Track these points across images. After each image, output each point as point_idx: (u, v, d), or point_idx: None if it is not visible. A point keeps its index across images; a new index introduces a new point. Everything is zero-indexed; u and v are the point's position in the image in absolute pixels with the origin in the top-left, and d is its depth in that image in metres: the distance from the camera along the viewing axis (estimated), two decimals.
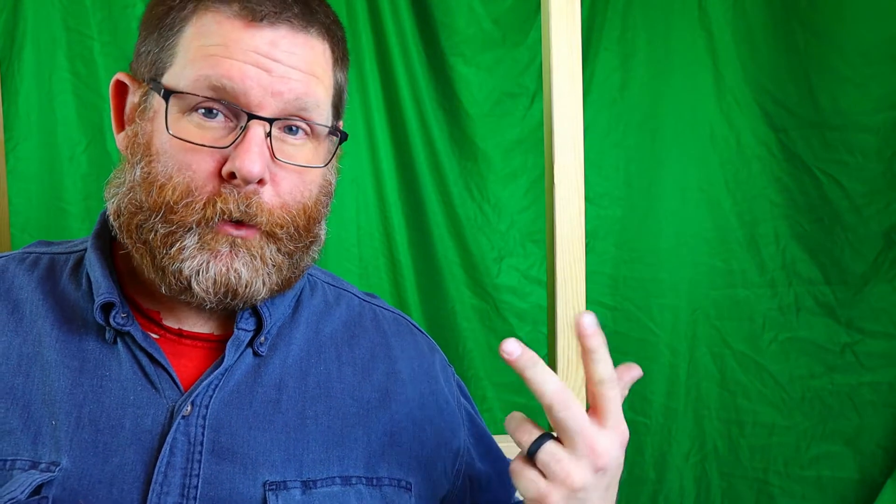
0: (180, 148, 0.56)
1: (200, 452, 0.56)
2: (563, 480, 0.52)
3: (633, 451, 1.64)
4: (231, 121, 0.57)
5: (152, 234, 0.57)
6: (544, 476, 0.52)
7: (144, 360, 0.58)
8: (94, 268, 0.61)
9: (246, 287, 0.58)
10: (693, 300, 1.62)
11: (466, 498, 0.73)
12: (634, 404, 1.64)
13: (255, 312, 0.62)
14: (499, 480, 0.76)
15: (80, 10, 1.44)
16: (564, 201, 1.00)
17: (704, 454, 1.64)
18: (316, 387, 0.63)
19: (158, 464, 0.55)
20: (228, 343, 0.60)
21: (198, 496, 0.55)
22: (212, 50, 0.57)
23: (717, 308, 1.62)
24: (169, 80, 0.58)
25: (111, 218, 0.60)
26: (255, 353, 0.61)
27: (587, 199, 1.36)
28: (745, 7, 1.57)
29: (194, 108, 0.57)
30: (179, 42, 0.58)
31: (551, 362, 1.05)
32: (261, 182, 0.57)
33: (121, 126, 0.63)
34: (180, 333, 0.62)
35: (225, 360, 0.59)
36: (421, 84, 1.59)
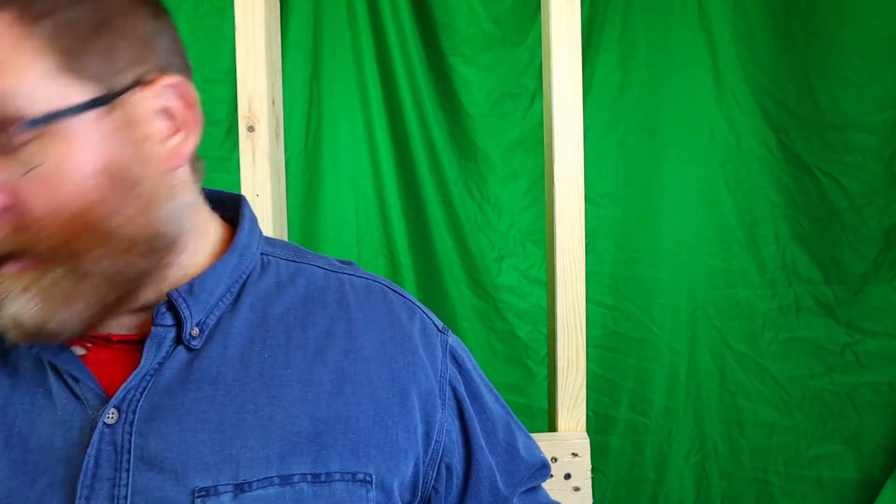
0: None
1: (129, 461, 0.53)
2: None
3: (633, 451, 1.64)
4: None
5: None
6: None
7: (66, 375, 0.55)
8: None
9: (41, 329, 0.51)
10: (693, 300, 1.62)
11: (442, 487, 0.66)
12: (634, 404, 1.64)
13: (172, 306, 0.58)
14: (469, 483, 0.68)
15: None
16: (564, 201, 1.00)
17: (704, 454, 1.64)
18: (259, 377, 0.58)
19: (82, 476, 0.52)
20: (146, 343, 0.56)
21: None
22: None
23: (717, 308, 1.62)
24: None
25: None
26: (189, 348, 0.57)
27: (587, 199, 1.36)
28: (745, 7, 1.57)
29: None
30: None
31: (551, 362, 1.05)
32: None
33: None
34: (109, 339, 0.58)
35: (143, 360, 0.56)
36: (421, 84, 1.59)
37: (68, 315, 0.52)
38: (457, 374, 0.67)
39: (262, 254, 0.65)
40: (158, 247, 0.56)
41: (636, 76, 1.61)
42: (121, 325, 0.59)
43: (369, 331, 0.63)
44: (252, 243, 0.63)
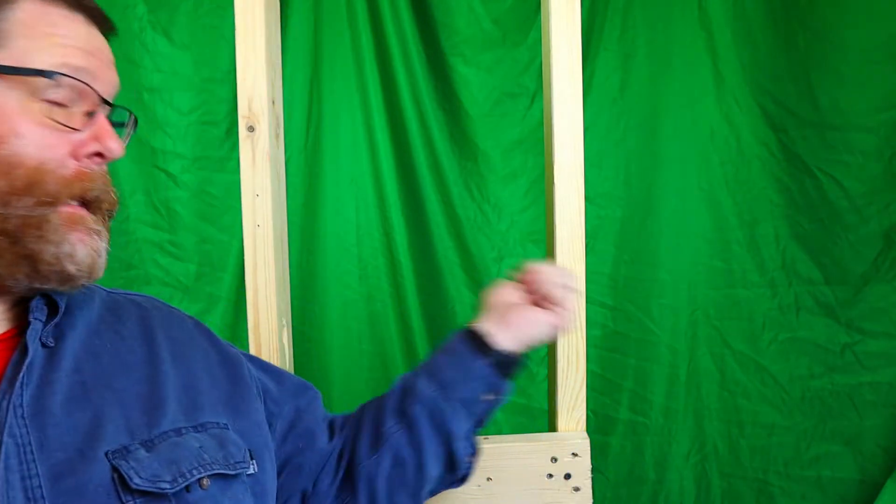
0: (36, 126, 0.58)
1: (32, 451, 0.55)
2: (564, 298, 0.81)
3: (633, 451, 1.64)
4: (77, 107, 0.61)
5: (14, 219, 0.57)
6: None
7: None
8: None
9: (100, 267, 0.63)
10: (693, 300, 1.62)
11: (290, 434, 0.79)
12: (634, 404, 1.64)
13: (50, 301, 0.63)
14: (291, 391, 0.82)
15: None
16: (564, 201, 1.00)
17: (704, 454, 1.64)
18: (111, 363, 0.65)
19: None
20: (28, 334, 0.60)
21: (44, 494, 0.54)
22: (55, 38, 0.60)
23: (717, 308, 1.62)
24: (7, 60, 0.58)
25: None
26: (44, 345, 0.62)
27: (587, 199, 1.36)
28: (745, 7, 1.57)
29: (43, 95, 0.59)
30: (3, 26, 0.59)
31: (551, 362, 1.05)
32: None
33: None
34: None
35: (30, 352, 0.59)
36: (421, 84, 1.59)
37: (105, 261, 0.63)
38: (235, 348, 0.81)
39: None
40: None
41: (636, 76, 1.60)
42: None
43: (169, 324, 0.74)
44: None
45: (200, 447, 0.63)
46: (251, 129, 0.97)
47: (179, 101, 1.58)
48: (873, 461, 1.59)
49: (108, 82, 0.64)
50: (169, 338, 0.72)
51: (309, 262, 1.62)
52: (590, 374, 1.60)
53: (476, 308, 1.65)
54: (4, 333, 0.62)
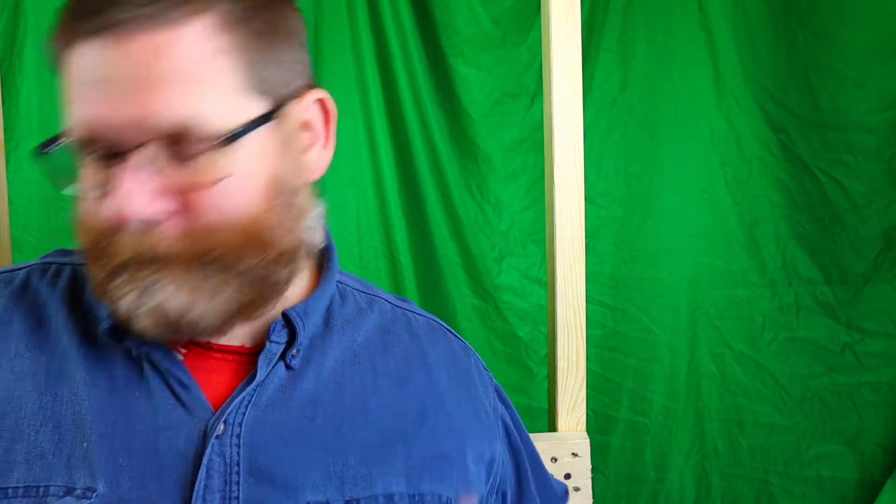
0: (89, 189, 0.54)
1: (238, 473, 0.53)
2: None
3: (633, 451, 1.64)
4: (97, 164, 0.53)
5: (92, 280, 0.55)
6: None
7: (172, 379, 0.56)
8: None
9: (182, 317, 0.52)
10: (693, 300, 1.62)
11: None
12: (634, 404, 1.64)
13: (288, 323, 0.59)
14: (522, 497, 0.73)
15: None
16: (564, 201, 1.00)
17: (704, 454, 1.64)
18: (352, 400, 0.60)
19: (196, 488, 0.52)
20: (260, 357, 0.57)
21: None
22: (68, 94, 0.52)
23: (717, 308, 1.62)
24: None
25: None
26: (288, 367, 0.59)
27: (587, 199, 1.35)
28: (745, 7, 1.57)
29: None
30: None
31: (551, 362, 1.05)
32: (157, 216, 0.51)
33: None
34: (209, 347, 0.59)
35: (257, 375, 0.57)
36: (421, 84, 1.59)
37: (210, 307, 0.52)
38: (503, 409, 0.72)
39: (337, 282, 0.67)
40: (299, 257, 0.58)
41: (636, 76, 1.60)
42: (225, 335, 0.59)
43: (439, 365, 0.66)
44: (336, 270, 0.66)
45: None
46: None
47: None
48: (873, 461, 1.59)
49: (114, 127, 0.49)
50: (427, 383, 0.64)
51: None
52: (590, 373, 1.60)
53: (477, 308, 1.66)
54: (246, 348, 0.59)
